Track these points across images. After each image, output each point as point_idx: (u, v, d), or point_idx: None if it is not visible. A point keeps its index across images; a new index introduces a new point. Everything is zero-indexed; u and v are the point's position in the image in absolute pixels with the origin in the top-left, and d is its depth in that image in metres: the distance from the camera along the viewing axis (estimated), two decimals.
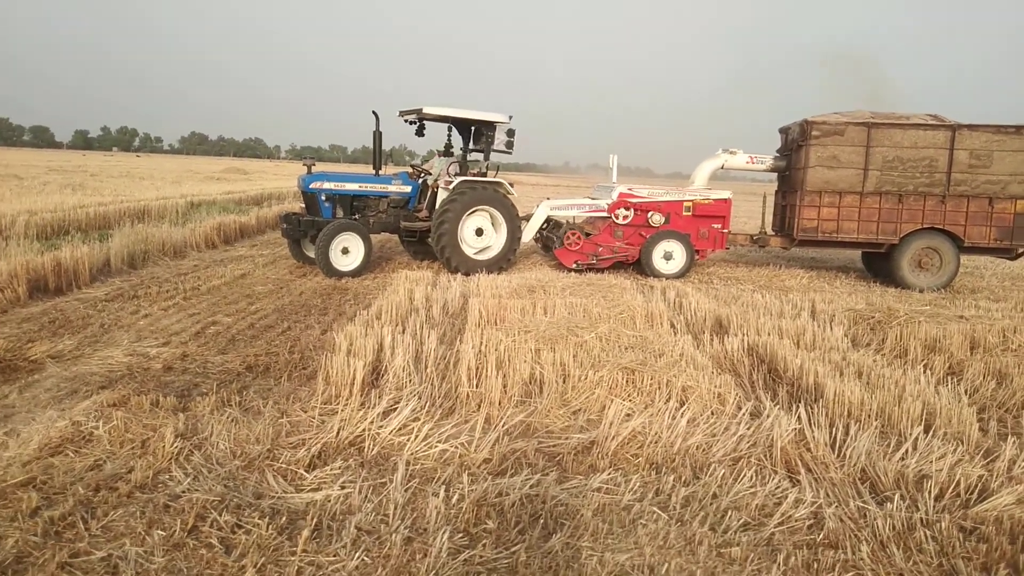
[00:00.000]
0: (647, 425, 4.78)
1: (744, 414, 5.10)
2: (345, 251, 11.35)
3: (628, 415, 4.87)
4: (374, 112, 11.86)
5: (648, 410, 5.03)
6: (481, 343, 6.20)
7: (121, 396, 5.28)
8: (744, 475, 4.31)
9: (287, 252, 13.73)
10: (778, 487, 4.21)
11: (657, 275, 12.44)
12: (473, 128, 12.55)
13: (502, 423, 4.90)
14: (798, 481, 4.34)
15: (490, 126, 12.15)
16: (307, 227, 11.64)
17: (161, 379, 6.00)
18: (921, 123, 12.45)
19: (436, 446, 4.59)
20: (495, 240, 12.21)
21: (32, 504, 3.73)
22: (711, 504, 4.01)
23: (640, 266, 12.83)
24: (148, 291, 9.48)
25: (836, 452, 4.75)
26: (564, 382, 5.46)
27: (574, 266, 12.46)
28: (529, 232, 12.89)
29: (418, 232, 12.56)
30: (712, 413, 5.14)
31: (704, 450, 4.69)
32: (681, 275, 12.59)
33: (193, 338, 7.31)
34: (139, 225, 13.67)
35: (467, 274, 11.66)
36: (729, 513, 3.90)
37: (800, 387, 5.98)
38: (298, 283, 10.77)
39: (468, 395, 5.37)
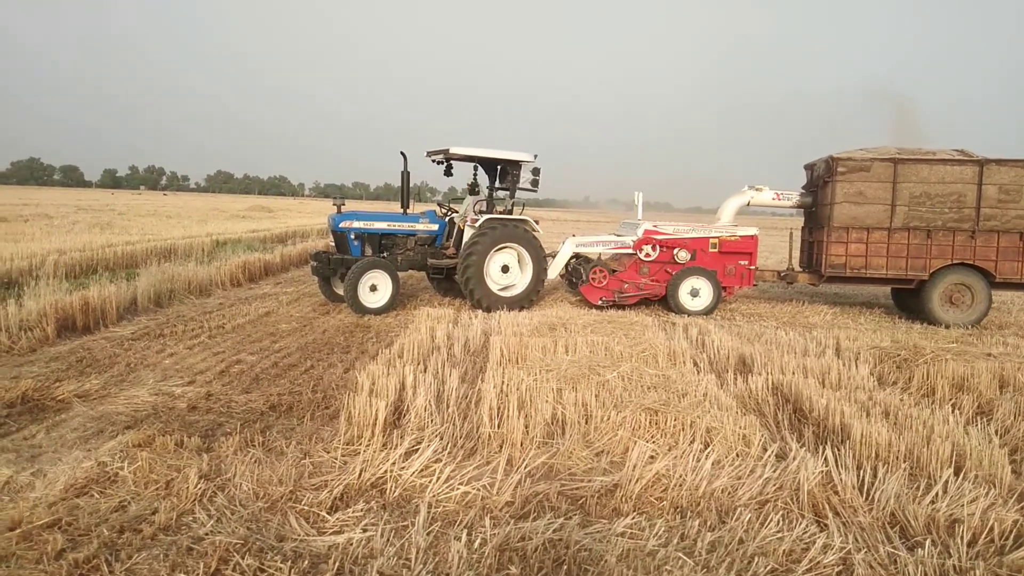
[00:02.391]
0: (671, 468, 4.72)
1: (770, 456, 5.03)
2: (373, 288, 11.46)
3: (652, 457, 4.81)
4: (402, 152, 12.05)
5: (672, 452, 4.97)
6: (503, 383, 6.18)
7: (146, 436, 5.32)
8: (771, 519, 4.23)
9: (311, 290, 13.88)
10: (805, 532, 4.13)
11: (684, 312, 12.39)
12: (499, 167, 12.68)
13: (524, 465, 4.87)
14: (826, 526, 4.25)
15: (516, 165, 12.28)
16: (337, 265, 11.79)
17: (186, 419, 6.04)
18: (948, 158, 12.38)
19: (458, 488, 4.57)
20: (521, 278, 12.28)
21: (57, 546, 3.76)
22: (737, 550, 3.94)
23: (666, 303, 12.80)
24: (174, 330, 9.60)
25: (864, 495, 4.66)
26: (586, 423, 5.42)
27: (600, 303, 12.45)
28: (555, 269, 12.95)
29: (445, 269, 12.65)
30: (737, 455, 5.07)
31: (730, 493, 4.62)
32: (708, 312, 12.52)
33: (217, 377, 7.37)
34: (165, 264, 13.92)
35: (488, 310, 11.70)
36: (756, 559, 3.82)
37: (826, 428, 5.89)
38: (321, 321, 10.84)
39: (490, 436, 5.35)
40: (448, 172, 12.98)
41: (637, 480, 4.59)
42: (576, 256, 13.49)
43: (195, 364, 7.86)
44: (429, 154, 12.77)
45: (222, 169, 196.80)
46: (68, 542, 3.83)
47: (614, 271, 12.77)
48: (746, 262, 13.04)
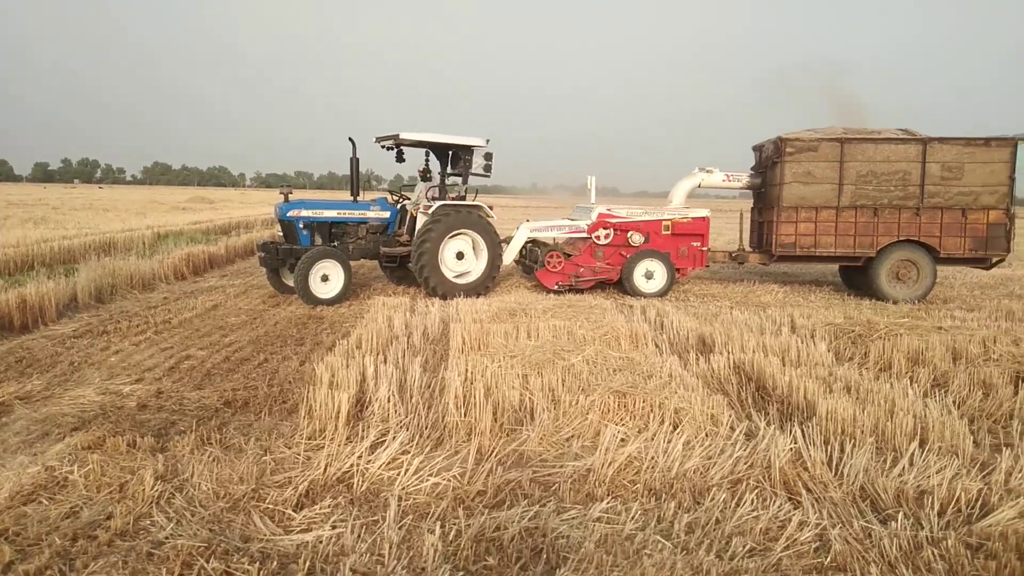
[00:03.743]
0: (643, 450, 4.69)
1: (739, 435, 5.03)
2: (325, 279, 11.19)
3: (623, 440, 4.76)
4: (351, 139, 11.78)
5: (642, 434, 4.94)
6: (466, 370, 6.07)
7: (96, 438, 5.07)
8: (745, 499, 4.22)
9: (259, 282, 13.53)
10: (780, 509, 4.12)
11: (639, 294, 12.44)
12: (451, 152, 12.49)
13: (494, 453, 4.77)
14: (799, 503, 4.26)
15: (468, 150, 12.12)
16: (285, 255, 11.48)
17: (136, 418, 5.78)
18: (893, 137, 12.65)
19: (428, 479, 4.45)
20: (476, 264, 12.14)
21: (4, 558, 3.52)
22: (715, 530, 3.91)
23: (621, 286, 12.82)
24: (118, 326, 9.22)
25: (834, 471, 4.70)
26: (555, 408, 5.35)
27: (556, 287, 12.41)
28: (510, 255, 12.85)
29: (398, 257, 12.43)
30: (706, 435, 5.06)
31: (702, 474, 4.60)
32: (663, 294, 12.59)
33: (167, 374, 7.09)
34: (105, 258, 13.36)
35: (444, 297, 11.57)
36: (734, 539, 3.80)
37: (790, 404, 5.93)
38: (272, 313, 10.55)
39: (457, 424, 5.24)
40: (399, 158, 12.75)
41: (609, 464, 4.53)
42: (531, 241, 13.43)
43: (143, 361, 7.55)
44: (378, 140, 12.51)
45: (159, 161, 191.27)
46: (17, 553, 3.60)
47: (569, 255, 12.73)
48: (699, 243, 13.14)
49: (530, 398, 5.42)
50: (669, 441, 4.81)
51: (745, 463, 4.71)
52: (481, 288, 12.12)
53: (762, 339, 7.73)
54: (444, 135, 12.06)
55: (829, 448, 4.93)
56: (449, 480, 4.46)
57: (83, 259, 13.99)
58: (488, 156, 12.38)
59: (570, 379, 5.87)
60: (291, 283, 11.63)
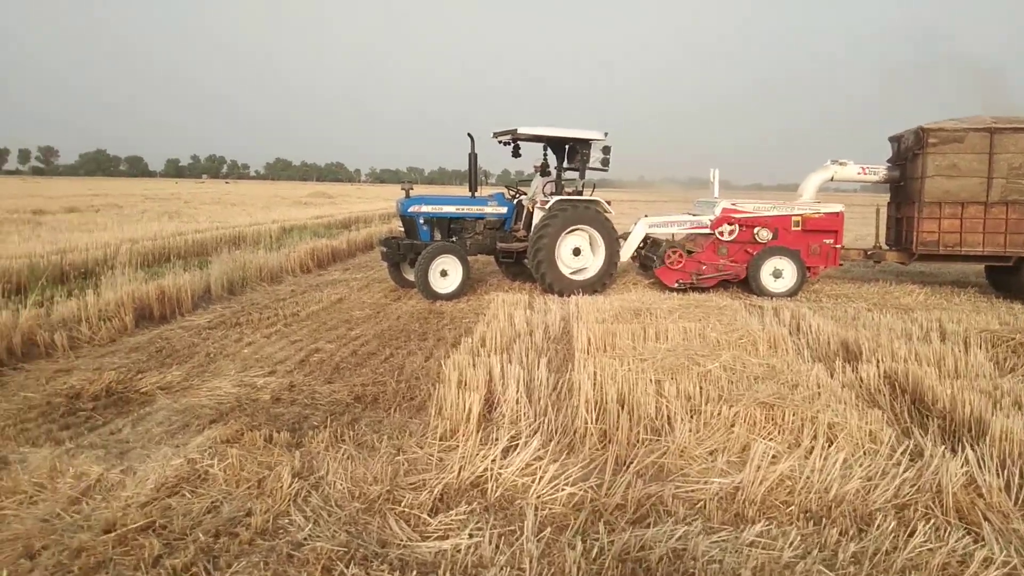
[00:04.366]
0: (796, 468, 4.33)
1: (902, 455, 4.58)
2: (444, 273, 11.23)
3: (774, 457, 4.42)
4: (469, 134, 11.76)
5: (794, 451, 4.57)
6: (595, 372, 5.85)
7: (234, 431, 5.16)
8: (916, 527, 3.81)
9: (381, 275, 13.75)
10: (959, 542, 3.70)
11: (766, 294, 11.85)
12: (568, 146, 12.28)
13: (632, 464, 4.53)
14: (979, 535, 3.82)
15: (585, 144, 11.86)
16: (406, 250, 11.61)
17: (271, 411, 5.87)
18: None
19: (564, 489, 4.26)
20: (593, 260, 11.88)
21: (154, 551, 3.57)
22: (884, 562, 3.54)
23: (746, 285, 12.28)
24: (249, 318, 9.51)
25: (1014, 499, 4.20)
26: (695, 418, 5.04)
27: (676, 285, 12.00)
28: (627, 251, 12.52)
29: (514, 253, 12.34)
30: (864, 453, 4.64)
31: (863, 497, 4.20)
32: (792, 294, 11.95)
33: (298, 367, 7.21)
34: (236, 251, 13.92)
35: (560, 294, 11.39)
36: (909, 574, 3.42)
37: (954, 421, 5.39)
38: (394, 307, 10.66)
39: (589, 431, 5.03)
40: (516, 153, 12.64)
41: (760, 482, 4.20)
42: (649, 237, 13.05)
43: (274, 353, 7.72)
44: (496, 135, 12.43)
45: (281, 156, 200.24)
46: (164, 547, 3.64)
47: (690, 252, 12.28)
48: (831, 240, 12.39)
49: (667, 406, 5.14)
50: (825, 459, 4.43)
51: (911, 486, 4.28)
52: (598, 285, 11.86)
53: (913, 346, 7.13)
54: (562, 128, 11.85)
55: (1006, 473, 4.42)
56: (586, 491, 4.26)
57: (215, 252, 14.62)
58: (606, 150, 12.07)
59: (708, 387, 5.55)
60: (412, 277, 11.74)
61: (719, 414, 4.98)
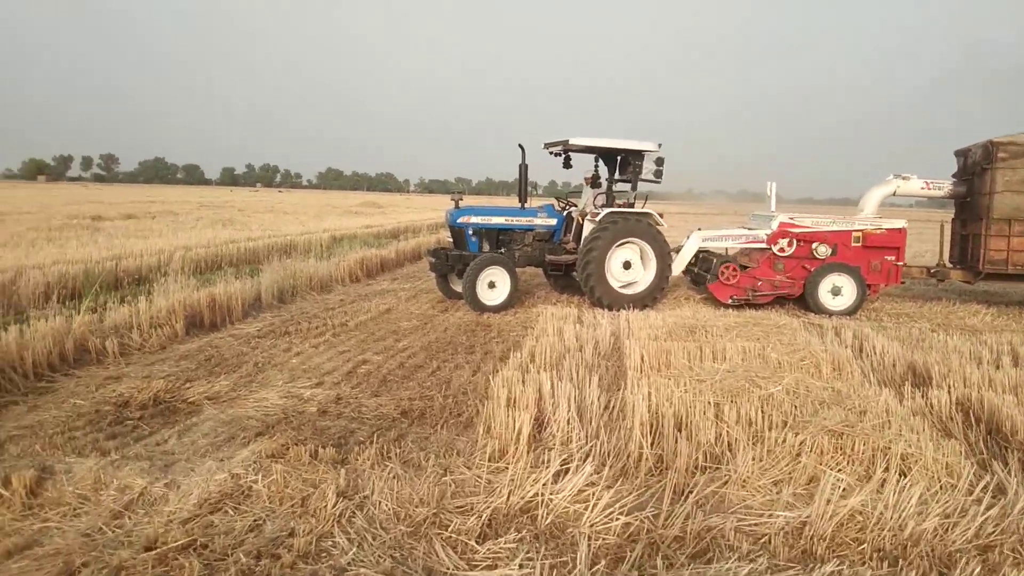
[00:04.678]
0: (868, 503, 4.04)
1: (984, 491, 4.26)
2: (492, 285, 11.09)
3: (844, 490, 4.13)
4: (520, 145, 11.63)
5: (866, 484, 4.28)
6: (649, 393, 5.62)
7: (279, 445, 5.06)
8: (1005, 573, 3.51)
9: (428, 286, 13.68)
10: None
11: (824, 312, 11.44)
12: (620, 157, 12.06)
13: (692, 494, 4.29)
14: None
15: (638, 155, 11.62)
16: (455, 261, 11.51)
17: (317, 424, 5.77)
18: None
19: (618, 518, 4.04)
20: (643, 274, 11.62)
21: (194, 572, 3.46)
22: None
23: (803, 301, 11.88)
24: (298, 327, 9.49)
25: None
26: (758, 445, 4.78)
27: (730, 301, 11.66)
28: (679, 265, 12.22)
29: (563, 265, 12.14)
30: (941, 488, 4.33)
31: (940, 536, 3.90)
32: (852, 312, 11.51)
33: (345, 378, 7.12)
34: (287, 260, 14.00)
35: (610, 308, 11.15)
36: None
37: None
38: (441, 319, 10.55)
39: (644, 455, 4.80)
40: (567, 164, 12.47)
41: (830, 517, 3.93)
42: (701, 251, 12.74)
43: (322, 364, 7.65)
44: (547, 145, 12.27)
45: (332, 167, 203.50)
46: (205, 568, 3.53)
47: (745, 267, 11.93)
48: (893, 257, 11.92)
49: (727, 431, 4.88)
50: (899, 493, 4.13)
51: (995, 526, 3.96)
52: (648, 299, 11.59)
53: (986, 372, 6.73)
54: (614, 140, 11.63)
55: None
56: (642, 521, 4.03)
57: (266, 260, 14.75)
58: (659, 161, 11.80)
59: (771, 411, 5.27)
60: (459, 289, 11.63)
61: (784, 441, 4.70)
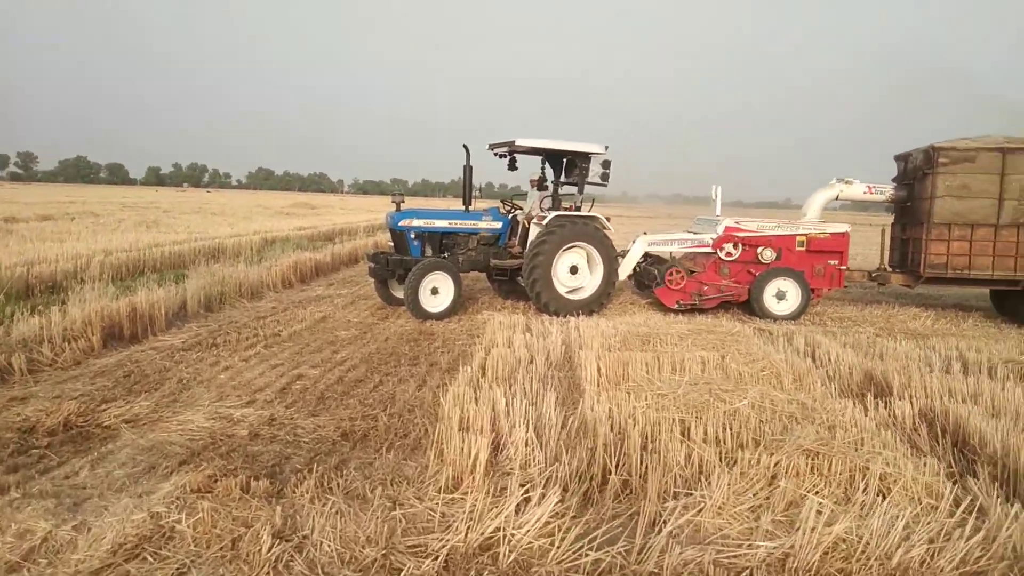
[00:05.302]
0: (853, 530, 3.78)
1: (969, 513, 4.05)
2: (435, 291, 10.64)
3: (828, 517, 3.85)
4: (464, 146, 11.22)
5: (849, 510, 4.01)
6: (610, 409, 5.29)
7: (206, 477, 4.54)
8: None
9: (366, 292, 13.14)
10: None
11: (768, 316, 11.39)
12: (566, 160, 11.76)
13: (664, 524, 3.95)
14: None
15: (585, 157, 11.34)
16: (395, 266, 10.99)
17: (248, 450, 5.25)
18: None
19: (588, 555, 3.68)
20: (590, 279, 11.35)
21: None
22: None
23: (747, 306, 11.80)
24: (227, 338, 8.87)
25: None
26: (730, 467, 4.48)
27: (676, 306, 11.49)
28: (625, 269, 11.99)
29: (508, 270, 11.77)
30: (922, 511, 4.10)
31: (928, 564, 3.66)
32: (796, 316, 11.50)
33: (279, 396, 6.59)
34: (215, 265, 13.26)
35: (556, 314, 10.85)
36: None
37: (1007, 468, 4.87)
38: (381, 327, 10.05)
39: (611, 480, 4.46)
40: (512, 166, 12.09)
41: (815, 547, 3.65)
42: (646, 256, 12.56)
43: (253, 380, 7.09)
44: (491, 146, 11.89)
45: (263, 166, 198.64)
46: None
47: (691, 272, 11.79)
48: (836, 261, 11.95)
49: (698, 453, 4.57)
50: (883, 517, 3.87)
51: (981, 550, 3.74)
52: (595, 305, 11.34)
53: (947, 381, 6.63)
54: (561, 141, 11.33)
55: None
56: (615, 556, 3.68)
57: (193, 265, 13.94)
58: (606, 164, 11.54)
59: (739, 428, 4.99)
60: (400, 295, 11.17)
61: (758, 462, 4.42)
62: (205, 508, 4.02)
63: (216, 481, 4.50)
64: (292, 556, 3.68)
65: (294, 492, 4.41)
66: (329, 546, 3.76)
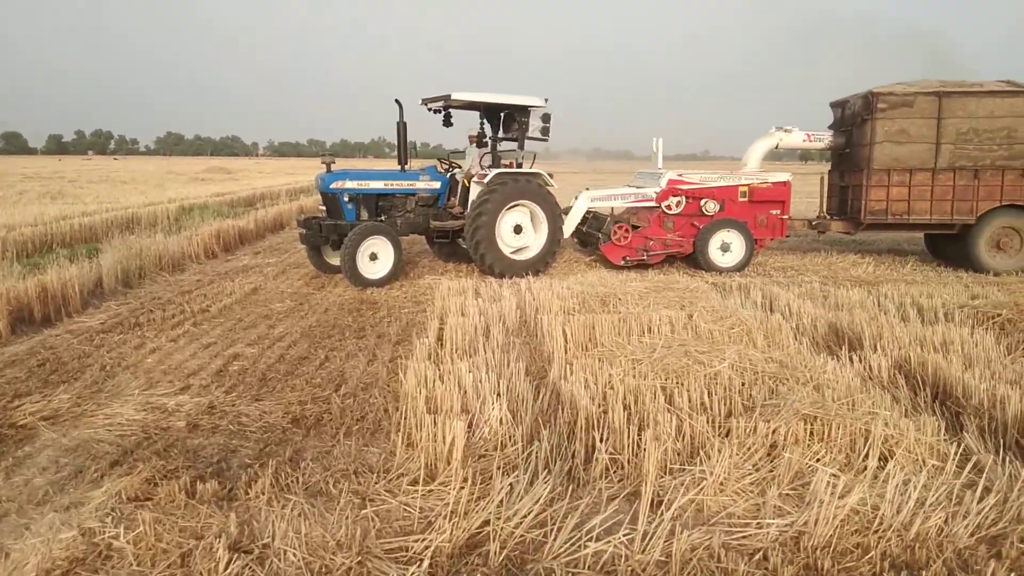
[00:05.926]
0: (867, 500, 3.53)
1: (979, 475, 3.87)
2: (373, 257, 10.06)
3: (839, 487, 3.59)
4: (397, 100, 10.56)
5: (857, 478, 3.77)
6: (588, 381, 4.94)
7: (144, 480, 4.00)
8: None
9: (297, 260, 12.46)
10: None
11: (714, 269, 11.27)
12: (504, 114, 11.23)
13: (665, 507, 3.63)
14: None
15: (524, 111, 10.86)
16: (329, 231, 10.32)
17: (188, 444, 4.69)
18: (997, 90, 11.30)
19: (587, 547, 3.33)
20: (535, 239, 10.96)
21: None
22: None
23: (692, 259, 11.64)
24: (151, 317, 8.15)
25: None
26: (725, 438, 4.19)
27: (622, 262, 11.24)
28: (569, 227, 11.63)
29: (449, 232, 11.25)
30: (929, 474, 3.90)
31: (947, 533, 3.44)
32: (740, 268, 11.41)
33: (215, 379, 6.01)
34: (130, 236, 12.29)
35: (501, 276, 10.46)
36: None
37: (995, 420, 4.74)
38: (318, 297, 9.46)
39: (598, 458, 4.11)
40: (447, 122, 11.50)
41: (829, 522, 3.39)
42: (589, 212, 12.23)
43: (184, 362, 6.47)
44: (425, 101, 11.25)
45: (172, 131, 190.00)
46: None
47: (636, 227, 11.52)
48: (778, 211, 11.88)
49: (689, 423, 4.26)
50: (896, 486, 3.64)
51: (996, 511, 3.56)
52: (541, 265, 10.99)
53: (916, 330, 6.53)
54: (500, 95, 10.79)
55: None
56: (617, 546, 3.34)
57: (106, 237, 12.95)
58: (546, 117, 11.09)
59: (726, 393, 4.71)
60: (335, 262, 10.57)
61: (755, 431, 4.14)
62: (146, 519, 3.49)
63: (156, 485, 3.96)
64: (254, 570, 3.20)
65: (247, 493, 3.91)
66: (295, 555, 3.30)
